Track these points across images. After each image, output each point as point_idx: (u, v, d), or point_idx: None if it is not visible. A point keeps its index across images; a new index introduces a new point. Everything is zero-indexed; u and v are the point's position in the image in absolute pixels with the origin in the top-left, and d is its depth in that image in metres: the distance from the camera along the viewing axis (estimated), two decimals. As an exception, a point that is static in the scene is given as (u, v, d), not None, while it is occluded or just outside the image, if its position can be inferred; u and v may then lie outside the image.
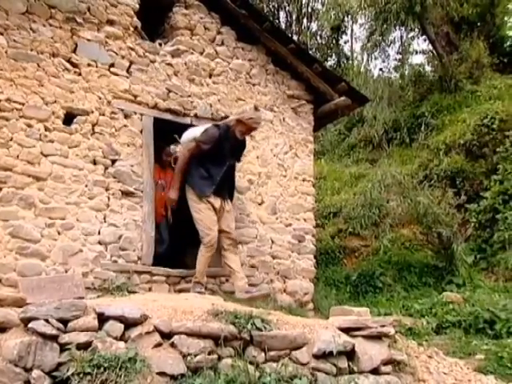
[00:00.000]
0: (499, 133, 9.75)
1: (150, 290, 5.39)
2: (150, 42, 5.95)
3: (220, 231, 5.23)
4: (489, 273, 8.34)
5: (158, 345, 3.21)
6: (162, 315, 3.42)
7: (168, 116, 5.89)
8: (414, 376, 4.02)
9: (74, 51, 5.38)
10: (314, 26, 20.00)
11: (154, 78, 5.83)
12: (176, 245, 7.09)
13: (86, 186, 5.24)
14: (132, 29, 5.78)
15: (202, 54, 6.24)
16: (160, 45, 6.06)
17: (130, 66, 5.70)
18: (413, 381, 3.96)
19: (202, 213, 5.15)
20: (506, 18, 16.95)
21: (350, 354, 3.68)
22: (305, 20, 19.81)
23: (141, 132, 5.68)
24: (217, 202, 5.24)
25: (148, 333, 3.22)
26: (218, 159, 5.25)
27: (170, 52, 6.03)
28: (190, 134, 5.42)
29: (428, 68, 16.61)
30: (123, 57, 5.67)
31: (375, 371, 3.71)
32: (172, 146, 5.84)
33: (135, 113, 5.67)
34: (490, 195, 9.10)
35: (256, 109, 5.29)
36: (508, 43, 16.96)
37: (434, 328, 5.71)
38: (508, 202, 8.78)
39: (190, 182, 5.23)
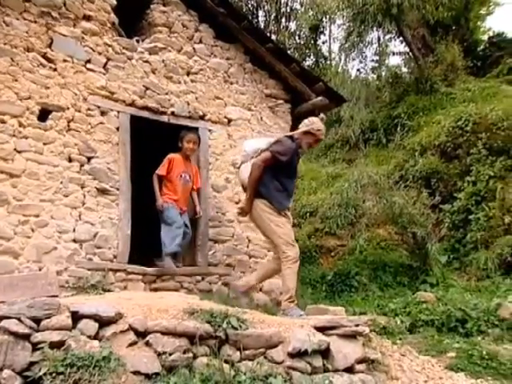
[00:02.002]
0: (472, 135, 9.91)
1: (125, 288, 5.35)
2: (127, 39, 5.90)
3: None
4: (461, 272, 8.46)
5: (133, 343, 3.19)
6: (137, 314, 3.39)
7: (145, 114, 5.85)
8: (388, 374, 4.07)
9: (50, 46, 5.30)
10: (292, 26, 20.08)
11: (131, 75, 5.78)
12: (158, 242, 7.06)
13: (61, 183, 5.17)
14: (109, 25, 5.73)
15: (179, 51, 6.21)
16: (137, 42, 6.01)
17: (106, 63, 5.64)
18: (386, 379, 3.99)
19: (285, 226, 4.83)
20: (479, 23, 17.28)
21: (325, 353, 3.70)
22: (283, 19, 19.87)
23: (117, 129, 5.63)
24: (287, 215, 5.04)
25: (123, 331, 3.20)
26: (291, 171, 5.06)
27: (148, 49, 5.99)
28: (254, 145, 5.16)
29: (404, 70, 16.85)
30: (100, 53, 5.61)
31: (349, 370, 3.73)
32: (232, 157, 5.77)
33: (112, 110, 5.61)
34: (463, 196, 9.25)
35: (321, 120, 5.19)
36: (481, 47, 17.30)
37: (407, 327, 5.78)
38: (480, 203, 8.94)
39: (266, 195, 4.88)
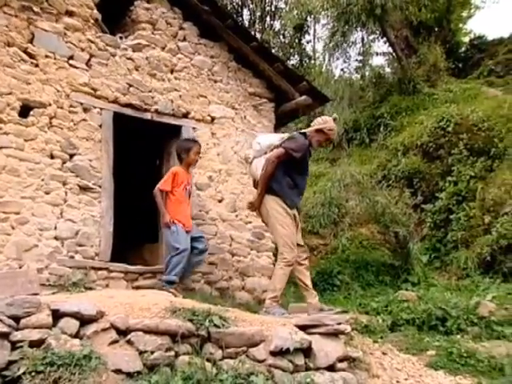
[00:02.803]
0: (454, 135, 10.01)
1: (107, 286, 5.32)
2: (110, 36, 5.86)
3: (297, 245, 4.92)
4: (442, 271, 8.55)
5: (115, 342, 3.17)
6: (118, 312, 3.38)
7: (128, 111, 5.82)
8: (369, 372, 4.10)
9: (31, 41, 5.24)
10: (277, 25, 20.05)
11: (114, 72, 5.74)
12: (135, 241, 7.03)
13: (43, 180, 5.12)
14: (92, 21, 5.68)
15: (163, 49, 6.19)
16: (121, 38, 5.97)
17: (89, 59, 5.60)
18: (367, 377, 4.03)
19: (289, 229, 4.79)
20: (460, 25, 17.49)
21: (307, 351, 3.72)
22: (268, 18, 19.84)
23: (100, 126, 5.60)
24: (295, 213, 5.01)
25: (104, 330, 3.18)
26: (303, 168, 5.05)
27: (131, 46, 5.96)
28: (266, 140, 5.11)
29: (388, 70, 16.95)
30: (83, 49, 5.56)
31: (331, 368, 3.75)
32: (246, 151, 5.53)
33: (94, 107, 5.58)
34: (444, 196, 9.34)
35: (334, 120, 5.13)
36: (463, 49, 17.51)
37: (388, 325, 5.82)
38: (461, 203, 9.03)
39: (280, 192, 4.84)
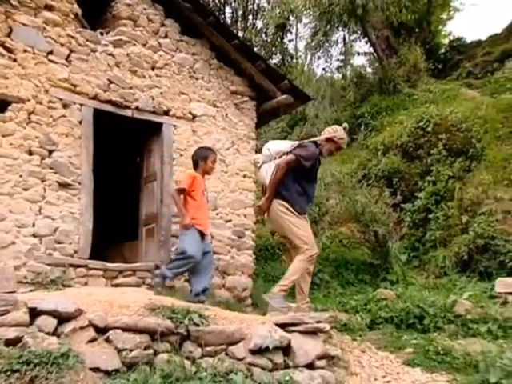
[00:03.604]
0: (433, 136, 10.12)
1: (86, 284, 5.28)
2: (90, 31, 5.79)
3: None
4: (421, 270, 8.64)
5: (93, 340, 3.15)
6: (97, 310, 3.36)
7: (109, 107, 5.77)
8: (347, 370, 4.14)
9: (9, 35, 5.15)
10: (259, 24, 20.06)
11: (94, 67, 5.69)
12: (115, 238, 6.99)
13: (21, 176, 5.05)
14: (72, 16, 5.61)
15: (144, 45, 6.14)
16: (101, 34, 5.91)
17: (69, 55, 5.53)
18: (346, 374, 4.06)
19: (306, 229, 4.88)
20: (440, 27, 17.71)
21: (286, 349, 3.74)
22: (250, 17, 19.84)
23: (80, 123, 5.54)
24: (307, 218, 5.05)
25: (82, 328, 3.16)
26: (312, 176, 5.08)
27: (112, 42, 5.90)
28: (277, 147, 5.14)
29: (369, 70, 17.09)
30: (62, 44, 5.49)
31: (310, 366, 3.78)
32: (254, 156, 5.51)
33: (74, 103, 5.51)
34: (423, 196, 9.45)
35: (344, 129, 5.15)
36: (442, 50, 17.73)
37: (367, 324, 5.87)
38: (440, 203, 9.14)
39: (289, 198, 4.88)
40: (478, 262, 7.58)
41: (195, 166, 5.54)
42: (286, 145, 5.08)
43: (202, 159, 5.51)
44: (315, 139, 5.14)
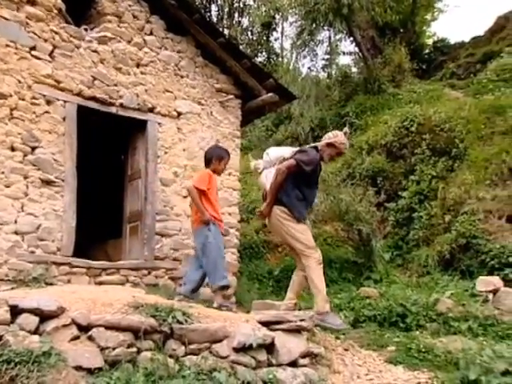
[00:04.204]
0: (417, 135, 10.18)
1: (69, 281, 5.26)
2: (75, 27, 5.76)
3: None
4: (404, 269, 8.69)
5: (75, 338, 3.12)
6: (80, 308, 3.33)
7: (93, 104, 5.74)
8: (330, 368, 4.15)
9: (-9, 30, 5.11)
10: (245, 22, 20.09)
11: (78, 64, 5.65)
12: (98, 235, 6.95)
13: (3, 173, 5.01)
14: (56, 11, 5.57)
15: (129, 42, 6.12)
16: (86, 30, 5.88)
17: (53, 51, 5.49)
18: (329, 372, 4.07)
19: (306, 233, 4.84)
20: (424, 28, 17.85)
21: (270, 347, 3.74)
22: (236, 15, 19.84)
23: (63, 119, 5.50)
24: (307, 222, 5.02)
25: (65, 326, 3.13)
26: (312, 182, 5.03)
27: (97, 38, 5.87)
28: (277, 153, 5.10)
29: (354, 69, 17.14)
30: (46, 40, 5.45)
31: (293, 364, 3.78)
32: (254, 162, 5.38)
33: (58, 99, 5.48)
34: (407, 195, 9.50)
35: (345, 134, 5.10)
36: (426, 51, 17.88)
37: (351, 322, 5.89)
38: (423, 202, 9.20)
39: (289, 203, 4.84)
40: (459, 261, 7.64)
41: (208, 163, 5.31)
42: (287, 151, 5.05)
43: (217, 159, 5.30)
44: (316, 144, 5.10)
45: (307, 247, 4.78)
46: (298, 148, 5.05)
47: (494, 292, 6.11)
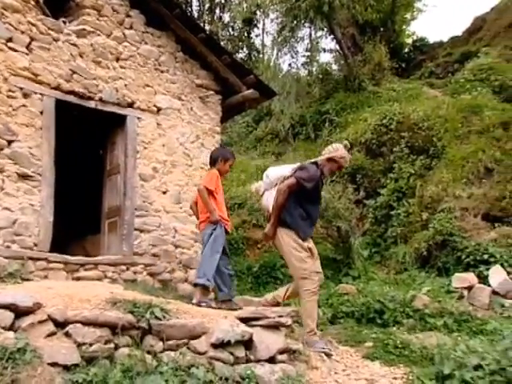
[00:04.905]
0: (396, 133, 10.28)
1: (46, 277, 5.19)
2: (53, 19, 5.67)
3: None
4: (382, 266, 8.78)
5: (52, 334, 3.09)
6: (57, 303, 3.30)
7: (71, 98, 5.67)
8: (308, 364, 4.17)
9: (-35, 21, 5.01)
10: (226, 17, 20.03)
11: (56, 57, 5.57)
12: (76, 231, 6.88)
13: (-22, 167, 4.93)
14: (33, 2, 5.48)
15: (109, 36, 6.05)
16: (64, 23, 5.79)
17: (30, 43, 5.41)
18: (306, 368, 4.10)
19: (306, 263, 4.73)
20: (404, 27, 18.01)
21: (248, 344, 3.74)
22: (217, 10, 19.78)
23: (41, 113, 5.43)
24: (310, 243, 4.93)
25: (41, 322, 3.09)
26: (315, 198, 4.96)
27: (75, 32, 5.79)
28: (276, 172, 5.01)
29: (334, 67, 17.21)
30: (23, 32, 5.36)
31: (271, 360, 3.80)
32: (255, 184, 5.33)
33: (35, 92, 5.40)
34: (385, 192, 9.59)
35: (345, 147, 5.00)
36: (406, 50, 18.05)
37: (329, 318, 5.95)
38: (401, 200, 9.31)
39: (292, 225, 4.77)
40: (436, 258, 7.75)
41: (213, 163, 5.32)
42: (286, 169, 4.95)
43: (223, 159, 5.31)
44: (316, 160, 5.01)
45: (302, 278, 4.71)
46: (297, 165, 4.94)
47: (469, 288, 6.23)
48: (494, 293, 6.13)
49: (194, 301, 4.72)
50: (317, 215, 5.14)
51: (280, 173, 4.96)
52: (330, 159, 4.93)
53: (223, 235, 5.06)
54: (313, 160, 5.04)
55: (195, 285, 4.93)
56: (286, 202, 4.74)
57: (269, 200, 4.94)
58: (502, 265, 6.66)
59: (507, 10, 15.82)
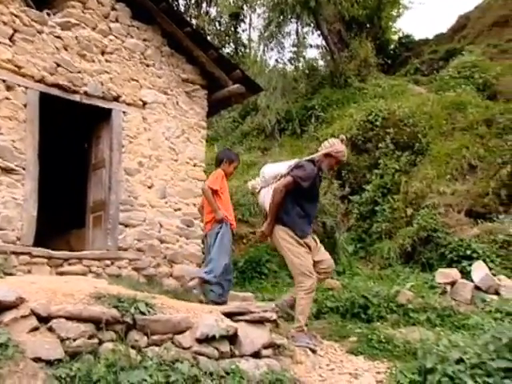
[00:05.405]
0: (381, 130, 10.33)
1: (29, 272, 5.15)
2: (36, 11, 5.60)
3: (316, 262, 4.87)
4: (366, 261, 8.84)
5: (35, 329, 3.07)
6: (40, 298, 3.27)
7: (56, 91, 5.61)
8: (293, 359, 4.19)
9: None
10: (213, 12, 19.94)
11: (40, 49, 5.51)
12: (61, 225, 6.83)
13: (-40, 160, 4.86)
14: (16, -6, 5.41)
15: (94, 29, 6.00)
16: (48, 15, 5.73)
17: (13, 35, 5.34)
18: (291, 363, 4.12)
19: (304, 258, 4.75)
20: (390, 23, 18.09)
21: (233, 338, 3.75)
22: (204, 4, 19.68)
23: (25, 106, 5.36)
24: (310, 241, 4.92)
25: (24, 317, 3.07)
26: (312, 196, 4.95)
27: (60, 24, 5.73)
28: (273, 170, 5.00)
29: (321, 63, 17.23)
30: (5, 23, 5.29)
31: (256, 355, 3.81)
32: (252, 182, 5.31)
33: (19, 85, 5.34)
34: (370, 188, 9.64)
35: (342, 141, 4.98)
36: (392, 46, 18.14)
37: (314, 313, 5.97)
38: (386, 196, 9.36)
39: (289, 223, 4.78)
40: (420, 254, 7.82)
41: (218, 164, 5.48)
42: (283, 167, 4.93)
43: (228, 161, 5.47)
44: (312, 157, 5.01)
45: (300, 273, 4.73)
46: (294, 162, 4.92)
47: (452, 284, 6.29)
48: (476, 288, 6.20)
49: (191, 283, 5.01)
50: (315, 213, 5.16)
51: (276, 170, 4.97)
52: (326, 155, 4.93)
53: (229, 233, 5.22)
54: (309, 157, 5.04)
55: (201, 280, 5.09)
56: (284, 201, 4.75)
57: (265, 197, 4.96)
58: (484, 260, 6.74)
59: (490, 9, 15.97)
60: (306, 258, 4.78)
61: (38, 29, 5.52)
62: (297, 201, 4.81)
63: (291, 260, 4.79)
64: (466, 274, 6.55)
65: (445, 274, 6.40)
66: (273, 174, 4.96)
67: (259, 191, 5.16)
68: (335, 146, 4.93)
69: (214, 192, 5.21)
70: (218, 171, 5.38)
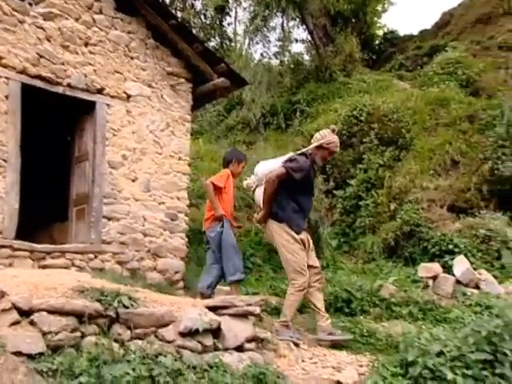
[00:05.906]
0: (366, 124, 10.36)
1: (10, 265, 5.10)
2: (18, 1, 5.51)
3: (308, 266, 4.85)
4: (350, 256, 8.88)
5: (16, 323, 3.04)
6: (22, 292, 3.24)
7: (38, 83, 5.55)
8: (276, 352, 4.21)
9: None
10: (198, 5, 19.82)
11: (22, 40, 5.44)
12: (44, 218, 6.78)
13: None
14: (-2, -17, 5.32)
15: (77, 20, 5.93)
16: (30, 5, 5.64)
17: (-6, 25, 5.26)
18: (274, 357, 4.14)
19: (298, 255, 4.76)
20: (375, 19, 18.15)
21: (216, 332, 3.76)
22: (189, -3, 19.54)
23: (6, 97, 5.30)
24: (304, 236, 4.91)
25: (5, 310, 3.04)
26: (307, 190, 4.95)
27: (42, 14, 5.65)
28: (266, 167, 4.97)
29: (306, 57, 17.25)
30: (-14, 13, 5.21)
31: (239, 348, 3.82)
32: (247, 180, 5.33)
33: (0, 76, 5.26)
34: (355, 183, 9.68)
35: (333, 131, 4.97)
36: (377, 42, 18.21)
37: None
38: (370, 190, 9.41)
39: (285, 217, 4.79)
40: (403, 248, 7.87)
41: (226, 164, 5.62)
42: (277, 163, 4.92)
43: (236, 161, 5.64)
44: (304, 150, 5.01)
45: (293, 270, 4.76)
46: (287, 156, 4.94)
47: (434, 278, 6.35)
48: (458, 282, 6.27)
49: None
50: (309, 207, 5.16)
51: (268, 168, 4.97)
52: (319, 147, 4.94)
53: (229, 228, 5.34)
54: (301, 151, 5.04)
55: (230, 282, 5.33)
56: (278, 195, 4.77)
57: (261, 196, 4.97)
58: (465, 255, 6.81)
59: (473, 6, 16.11)
60: (300, 255, 4.80)
61: (19, 19, 5.45)
62: (292, 196, 4.83)
63: (285, 256, 4.82)
64: (448, 269, 6.61)
65: (427, 269, 6.47)
66: (266, 171, 4.95)
67: (254, 190, 5.19)
68: (326, 137, 4.94)
69: (218, 190, 5.32)
70: (225, 170, 5.53)
